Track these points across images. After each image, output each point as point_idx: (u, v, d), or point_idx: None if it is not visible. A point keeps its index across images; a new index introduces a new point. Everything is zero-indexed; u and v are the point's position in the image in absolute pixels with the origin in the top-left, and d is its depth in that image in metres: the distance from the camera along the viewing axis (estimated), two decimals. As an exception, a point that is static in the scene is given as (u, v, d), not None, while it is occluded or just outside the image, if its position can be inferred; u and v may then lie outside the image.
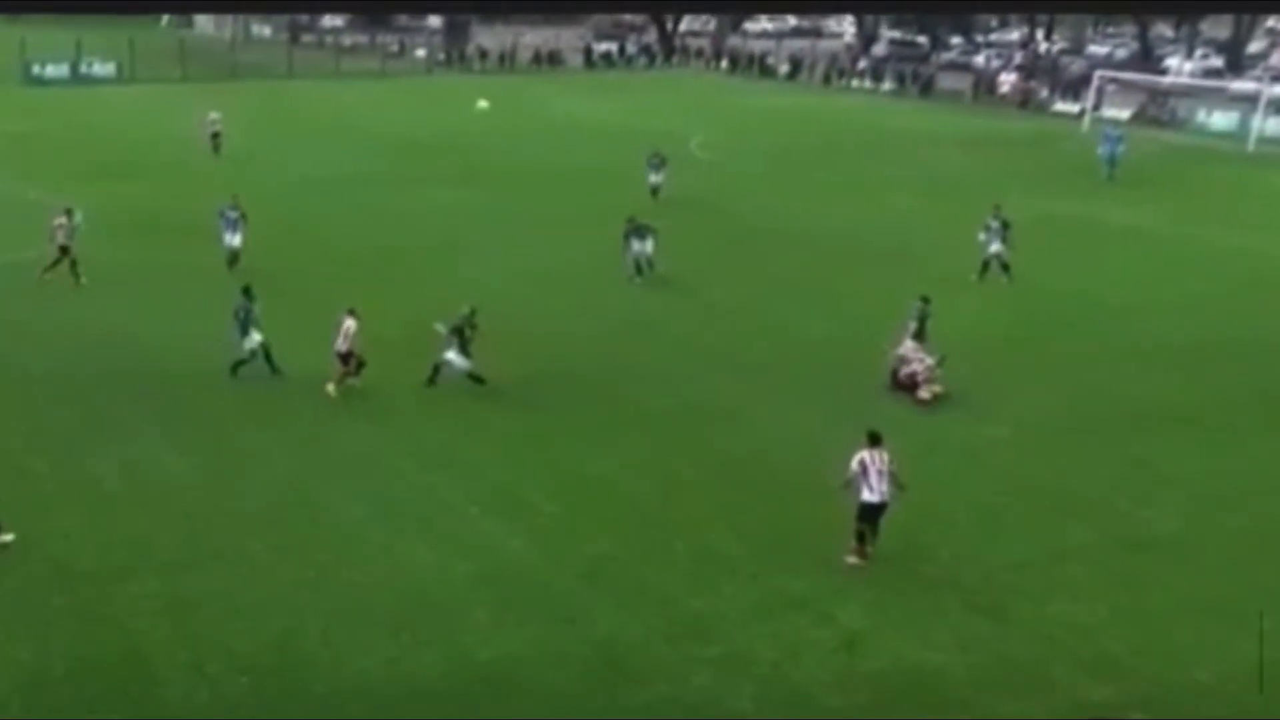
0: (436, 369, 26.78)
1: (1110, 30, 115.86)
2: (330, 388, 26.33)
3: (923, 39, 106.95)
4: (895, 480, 19.61)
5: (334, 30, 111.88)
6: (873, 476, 19.46)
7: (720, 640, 17.86)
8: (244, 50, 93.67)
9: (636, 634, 17.94)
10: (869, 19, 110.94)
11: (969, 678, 17.23)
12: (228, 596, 18.52)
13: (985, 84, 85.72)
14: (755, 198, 48.23)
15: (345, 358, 26.42)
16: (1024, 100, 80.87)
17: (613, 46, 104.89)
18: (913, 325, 28.39)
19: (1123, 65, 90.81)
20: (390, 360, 27.31)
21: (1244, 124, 67.76)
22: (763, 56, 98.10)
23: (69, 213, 34.02)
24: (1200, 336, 31.92)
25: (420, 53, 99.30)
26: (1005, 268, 36.10)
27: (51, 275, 33.26)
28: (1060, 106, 78.23)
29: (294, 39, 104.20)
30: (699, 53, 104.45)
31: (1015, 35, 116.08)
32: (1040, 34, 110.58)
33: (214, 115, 54.51)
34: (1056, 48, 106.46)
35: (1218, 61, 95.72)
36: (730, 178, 51.90)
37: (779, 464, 23.74)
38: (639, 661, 17.34)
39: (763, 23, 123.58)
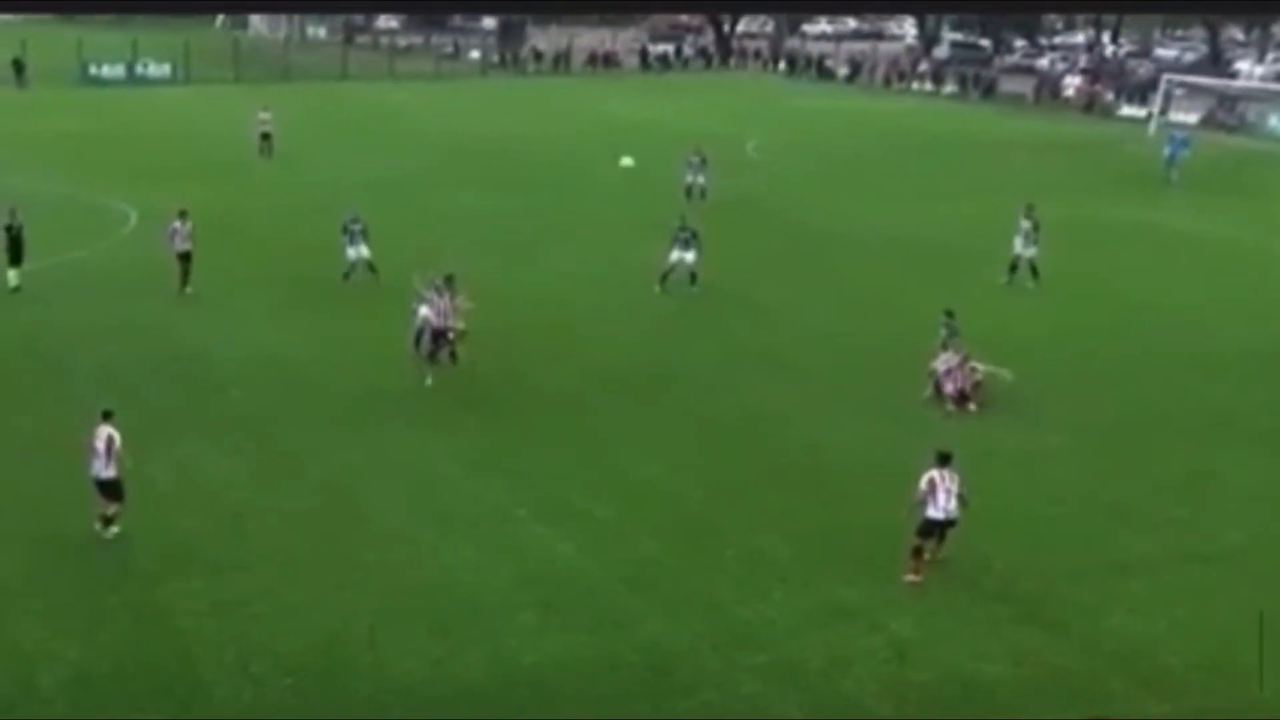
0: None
1: (1179, 33, 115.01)
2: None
3: (985, 42, 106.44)
4: (963, 500, 19.57)
5: (389, 32, 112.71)
6: (940, 495, 19.42)
7: (769, 648, 17.85)
8: (298, 51, 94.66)
9: (683, 640, 17.95)
10: (930, 20, 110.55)
11: (1021, 690, 17.15)
12: (274, 597, 18.69)
13: (1049, 87, 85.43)
14: (811, 201, 48.23)
15: (440, 334, 27.44)
16: (1089, 104, 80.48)
17: (669, 48, 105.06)
18: (942, 337, 28.17)
19: (1191, 69, 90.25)
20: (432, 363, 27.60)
21: (1316, 129, 67.23)
22: (821, 59, 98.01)
23: (183, 215, 33.46)
24: (1263, 345, 31.62)
25: (475, 54, 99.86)
26: (1034, 271, 36.00)
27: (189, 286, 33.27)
28: (1126, 111, 77.79)
29: (349, 40, 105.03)
30: (756, 54, 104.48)
31: (1080, 38, 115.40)
32: (1106, 37, 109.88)
33: (264, 115, 54.94)
34: (1123, 51, 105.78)
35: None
36: (786, 181, 51.97)
37: (832, 469, 23.78)
38: (686, 668, 17.35)
39: (822, 25, 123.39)
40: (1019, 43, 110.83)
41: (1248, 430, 26.37)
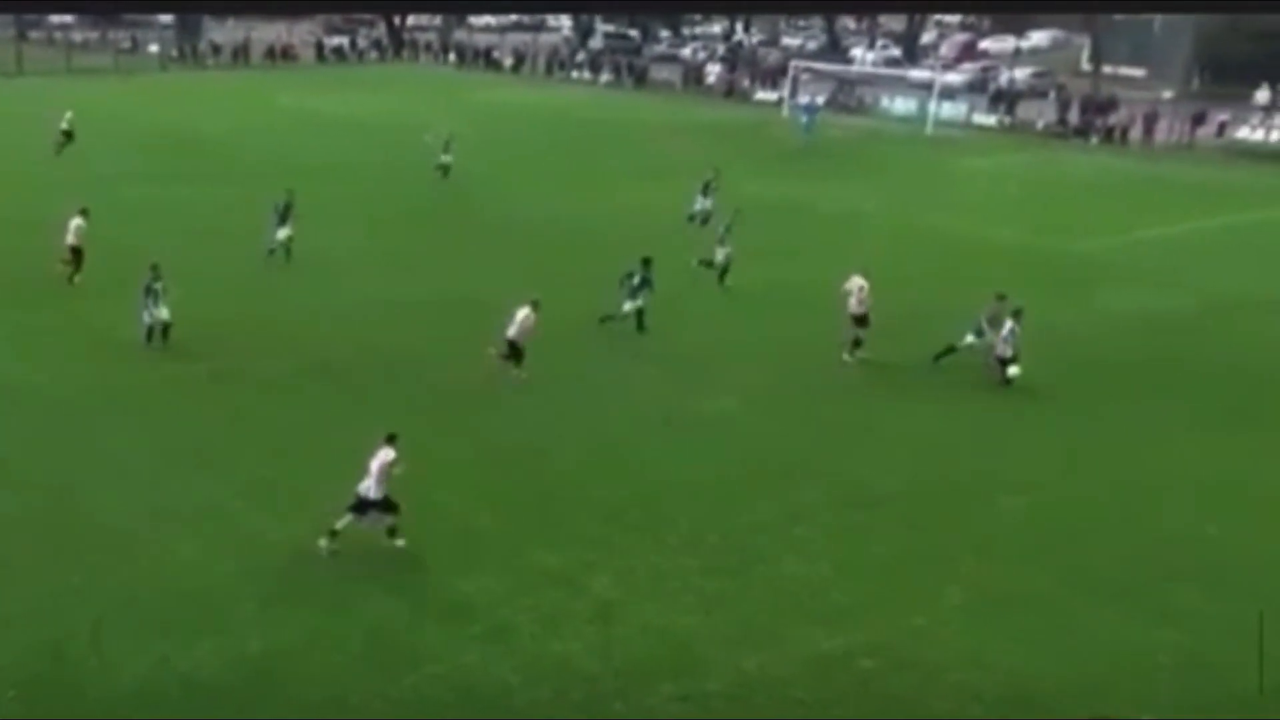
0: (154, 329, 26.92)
1: (802, 23, 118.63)
2: (519, 373, 26.34)
3: (634, 32, 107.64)
4: None
5: (64, 27, 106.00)
6: None
7: (484, 617, 17.62)
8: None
9: (405, 617, 17.56)
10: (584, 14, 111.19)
11: (714, 637, 17.41)
12: (-9, 608, 17.36)
13: (694, 75, 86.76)
14: (491, 186, 47.74)
15: (513, 345, 26.07)
16: (729, 90, 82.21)
17: (344, 41, 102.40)
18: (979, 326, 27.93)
19: (814, 56, 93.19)
20: (141, 356, 26.12)
21: (922, 109, 70.38)
22: (488, 50, 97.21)
23: (84, 213, 32.35)
24: (905, 310, 32.12)
25: (153, 49, 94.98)
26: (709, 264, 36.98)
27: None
28: (761, 95, 79.73)
29: (21, 36, 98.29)
30: (427, 46, 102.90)
31: (718, 28, 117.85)
32: (740, 27, 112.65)
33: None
34: (755, 40, 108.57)
35: (896, 52, 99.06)
36: (464, 167, 51.28)
37: (534, 444, 23.54)
38: (408, 643, 16.95)
39: (486, 18, 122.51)
40: (664, 33, 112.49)
41: (898, 385, 27.41)
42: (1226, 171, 57.18)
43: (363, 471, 19.02)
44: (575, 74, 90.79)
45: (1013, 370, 26.90)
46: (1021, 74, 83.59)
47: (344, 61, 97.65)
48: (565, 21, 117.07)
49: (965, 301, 29.62)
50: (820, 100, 70.72)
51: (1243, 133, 65.07)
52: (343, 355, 27.88)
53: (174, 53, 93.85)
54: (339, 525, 19.03)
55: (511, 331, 26.17)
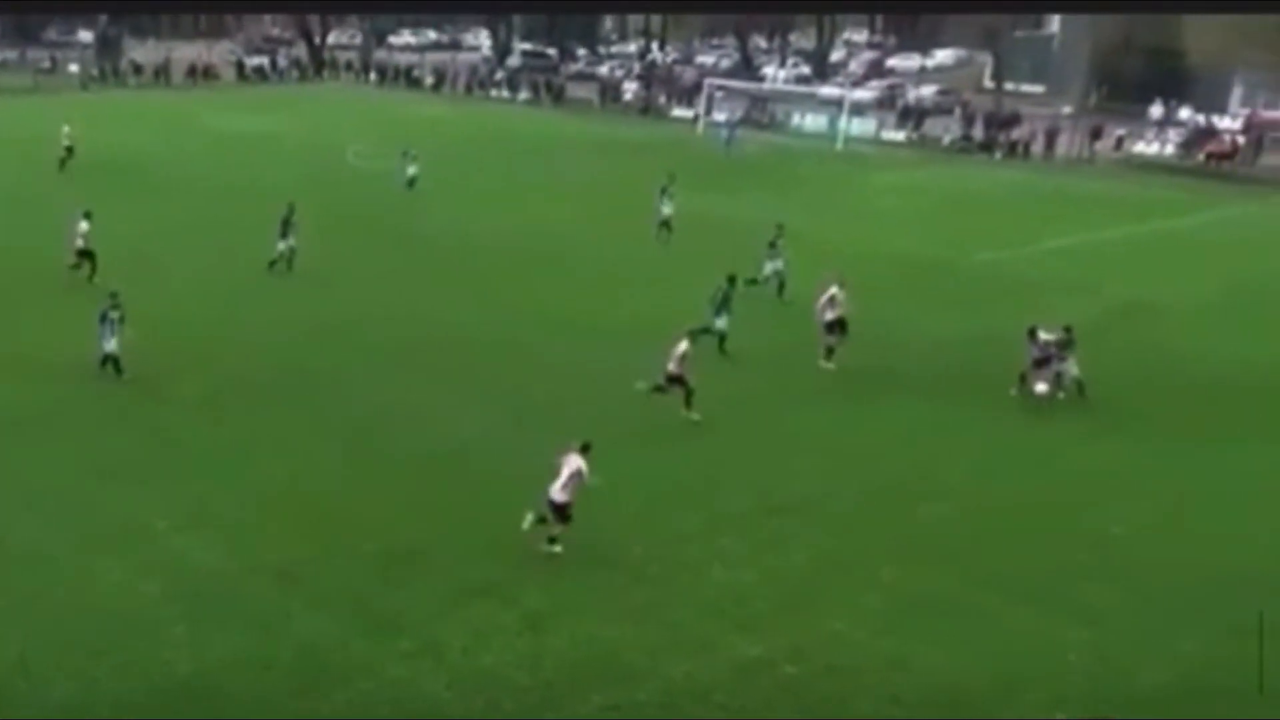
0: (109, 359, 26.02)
1: (715, 42, 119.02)
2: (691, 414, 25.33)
3: (552, 51, 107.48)
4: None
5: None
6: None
7: (413, 633, 17.43)
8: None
9: (334, 634, 17.31)
10: (502, 31, 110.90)
11: (641, 646, 17.37)
12: (-87, 638, 16.85)
13: (611, 92, 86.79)
14: (415, 204, 47.39)
15: (675, 379, 25.33)
16: (646, 107, 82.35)
17: (264, 60, 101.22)
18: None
19: (728, 74, 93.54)
20: (65, 376, 25.62)
21: (832, 126, 70.87)
22: (409, 69, 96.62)
23: (87, 215, 33.47)
24: (812, 325, 32.40)
25: (73, 68, 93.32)
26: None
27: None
28: (678, 112, 79.94)
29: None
30: (348, 65, 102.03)
31: (633, 47, 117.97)
32: (655, 45, 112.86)
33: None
34: (670, 58, 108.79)
35: (807, 70, 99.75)
36: (388, 185, 50.88)
37: (461, 459, 23.35)
38: (339, 660, 16.72)
39: (405, 36, 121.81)
40: (581, 52, 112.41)
41: (811, 398, 27.46)
42: (1124, 184, 58.18)
43: (553, 473, 19.43)
44: (495, 92, 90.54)
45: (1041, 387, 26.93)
46: (927, 91, 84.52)
47: (265, 81, 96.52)
48: (484, 40, 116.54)
49: (882, 312, 29.90)
50: (738, 116, 71.16)
51: (1139, 146, 66.34)
52: (265, 374, 27.52)
53: (95, 72, 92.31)
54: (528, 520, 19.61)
55: (671, 366, 25.34)
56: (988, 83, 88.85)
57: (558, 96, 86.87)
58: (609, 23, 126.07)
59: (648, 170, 57.04)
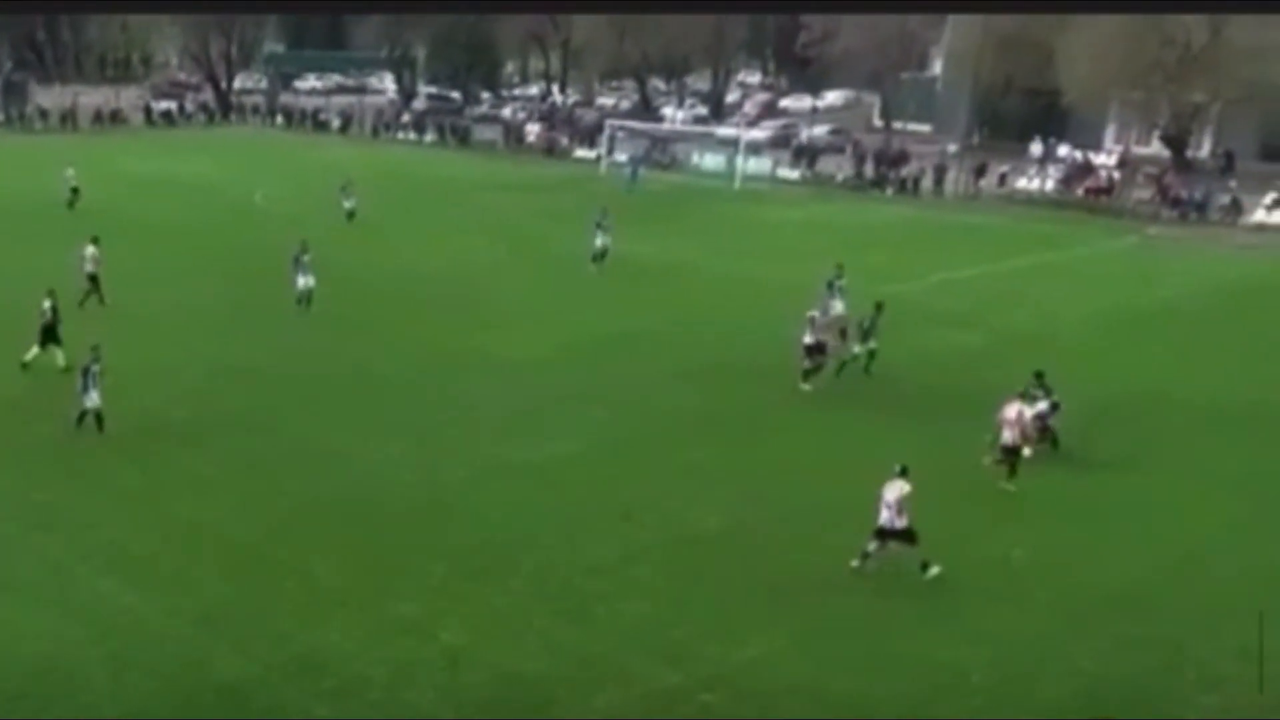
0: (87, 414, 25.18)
1: (614, 84, 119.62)
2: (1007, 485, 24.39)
3: (456, 94, 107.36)
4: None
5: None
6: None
7: (336, 671, 17.14)
8: None
9: (256, 675, 16.99)
10: (407, 76, 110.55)
11: (561, 678, 17.24)
12: None
13: (515, 134, 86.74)
14: (324, 246, 46.80)
15: (1013, 450, 24.38)
16: (549, 148, 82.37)
17: (172, 105, 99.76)
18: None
19: (628, 115, 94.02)
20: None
21: (730, 165, 71.32)
22: (315, 112, 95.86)
23: (95, 241, 35.18)
24: (725, 359, 32.79)
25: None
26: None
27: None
28: (580, 153, 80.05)
29: None
30: (255, 109, 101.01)
31: (535, 90, 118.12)
32: (556, 88, 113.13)
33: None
34: (571, 100, 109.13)
35: (704, 110, 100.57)
36: (297, 227, 50.24)
37: (375, 495, 23.08)
38: (261, 701, 16.43)
39: (311, 81, 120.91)
40: (485, 94, 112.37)
41: (721, 428, 27.57)
42: (1008, 218, 59.27)
43: (880, 503, 19.94)
44: (401, 134, 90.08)
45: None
46: (820, 130, 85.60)
47: (173, 125, 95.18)
48: (389, 85, 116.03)
49: (781, 339, 30.34)
50: (641, 154, 71.57)
51: (1021, 182, 67.57)
52: (181, 415, 27.08)
53: (0, 116, 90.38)
54: (870, 548, 20.12)
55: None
56: (877, 122, 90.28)
57: (463, 138, 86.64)
58: (510, 66, 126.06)
59: (554, 209, 57.52)
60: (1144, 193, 63.48)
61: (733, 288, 41.69)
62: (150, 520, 21.64)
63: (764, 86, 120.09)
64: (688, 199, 62.37)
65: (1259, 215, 59.03)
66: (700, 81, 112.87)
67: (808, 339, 29.85)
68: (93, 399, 25.19)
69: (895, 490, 20.00)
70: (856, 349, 30.87)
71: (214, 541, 20.94)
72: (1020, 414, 24.33)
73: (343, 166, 69.85)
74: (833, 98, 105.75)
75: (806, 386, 29.82)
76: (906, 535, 20.01)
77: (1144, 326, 38.02)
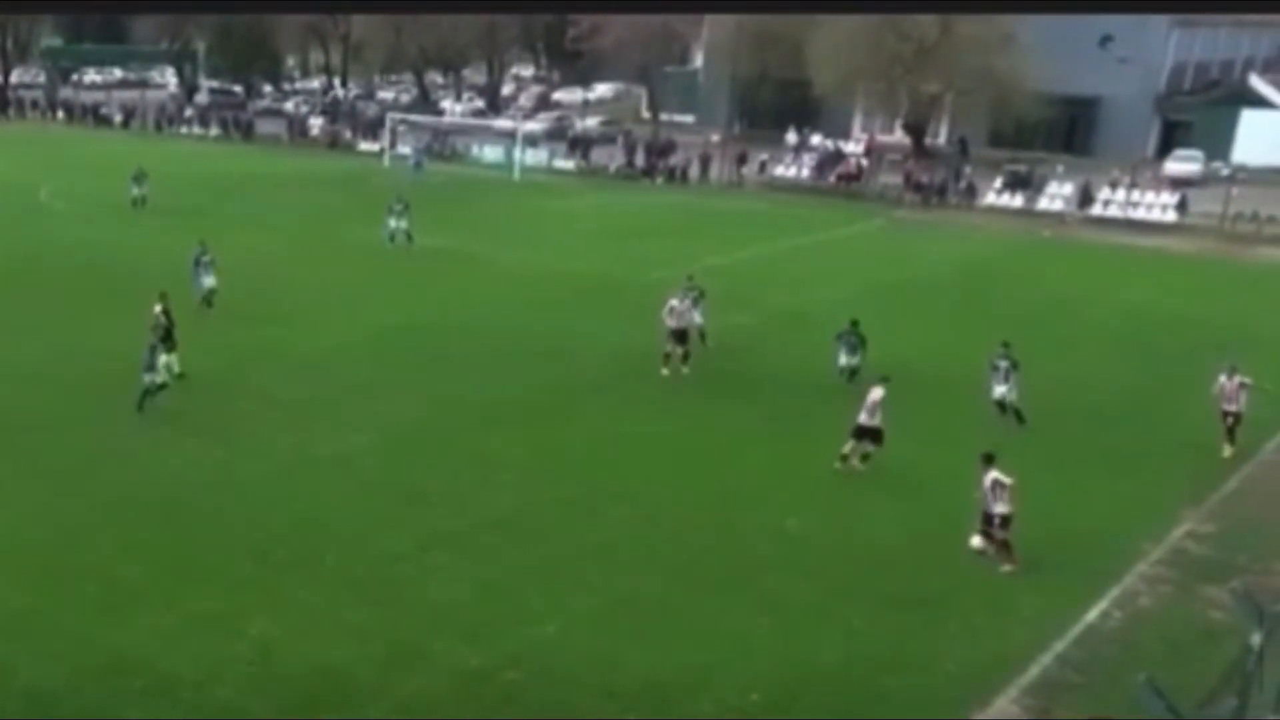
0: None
1: (394, 78, 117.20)
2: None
3: (239, 88, 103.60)
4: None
5: None
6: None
7: (144, 671, 16.45)
8: None
9: (63, 679, 16.16)
10: (189, 69, 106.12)
11: (371, 665, 16.91)
12: None
13: (298, 128, 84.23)
14: (107, 240, 44.68)
15: (870, 431, 24.01)
16: (333, 142, 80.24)
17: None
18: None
19: (408, 108, 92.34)
20: None
21: (509, 156, 70.87)
22: (96, 107, 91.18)
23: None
24: (511, 344, 32.64)
25: None
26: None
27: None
28: (364, 146, 78.18)
29: None
30: (34, 105, 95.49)
31: (316, 84, 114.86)
32: (337, 82, 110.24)
33: None
34: (352, 94, 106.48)
35: (481, 103, 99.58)
36: (87, 225, 47.89)
37: (177, 496, 22.15)
38: (70, 704, 15.66)
39: (91, 75, 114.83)
40: (267, 88, 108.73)
41: (512, 415, 27.33)
42: (769, 204, 60.56)
43: (981, 491, 20.11)
44: (185, 129, 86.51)
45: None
46: (593, 122, 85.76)
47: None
48: (171, 79, 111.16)
49: (562, 326, 30.20)
50: (423, 145, 70.57)
51: (779, 170, 69.11)
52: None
53: None
54: (975, 543, 20.37)
55: (865, 418, 23.94)
56: (645, 113, 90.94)
57: (247, 132, 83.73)
58: (291, 60, 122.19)
59: (339, 201, 56.16)
60: (890, 178, 65.66)
61: (519, 277, 41.51)
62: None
63: (537, 79, 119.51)
64: (471, 190, 61.68)
65: (990, 198, 61.85)
66: (476, 75, 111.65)
67: (671, 323, 29.84)
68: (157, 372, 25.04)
69: (991, 476, 19.91)
70: (842, 361, 29.78)
71: (12, 549, 19.76)
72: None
73: (128, 161, 66.90)
74: (603, 90, 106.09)
75: (665, 371, 29.86)
76: (1003, 522, 20.01)
77: (897, 300, 39.34)
